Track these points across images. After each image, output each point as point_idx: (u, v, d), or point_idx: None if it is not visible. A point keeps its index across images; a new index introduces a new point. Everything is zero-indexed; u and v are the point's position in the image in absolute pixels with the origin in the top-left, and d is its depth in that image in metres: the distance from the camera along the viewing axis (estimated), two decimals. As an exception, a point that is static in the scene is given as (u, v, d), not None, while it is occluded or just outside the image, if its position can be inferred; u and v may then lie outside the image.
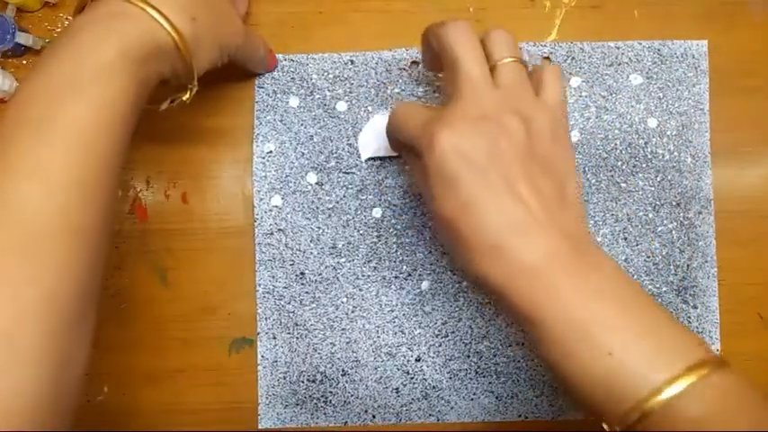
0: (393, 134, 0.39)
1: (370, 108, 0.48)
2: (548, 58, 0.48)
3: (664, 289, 0.47)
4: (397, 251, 0.47)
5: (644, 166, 0.47)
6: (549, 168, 0.34)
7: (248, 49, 0.44)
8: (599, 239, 0.47)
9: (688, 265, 0.47)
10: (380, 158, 0.47)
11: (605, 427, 0.31)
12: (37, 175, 0.30)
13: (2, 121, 0.32)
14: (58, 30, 0.49)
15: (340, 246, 0.47)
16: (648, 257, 0.47)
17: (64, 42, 0.33)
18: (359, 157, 0.48)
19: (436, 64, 0.40)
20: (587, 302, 0.31)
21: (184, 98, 0.40)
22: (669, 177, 0.47)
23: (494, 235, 0.32)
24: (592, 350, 0.30)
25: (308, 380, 0.47)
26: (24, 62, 0.49)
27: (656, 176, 0.47)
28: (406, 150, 0.39)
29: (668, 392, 0.29)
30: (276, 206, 0.48)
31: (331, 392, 0.47)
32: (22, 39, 0.46)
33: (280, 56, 0.48)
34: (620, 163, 0.47)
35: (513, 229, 0.32)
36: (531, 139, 0.34)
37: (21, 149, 0.31)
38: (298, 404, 0.47)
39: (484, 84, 0.35)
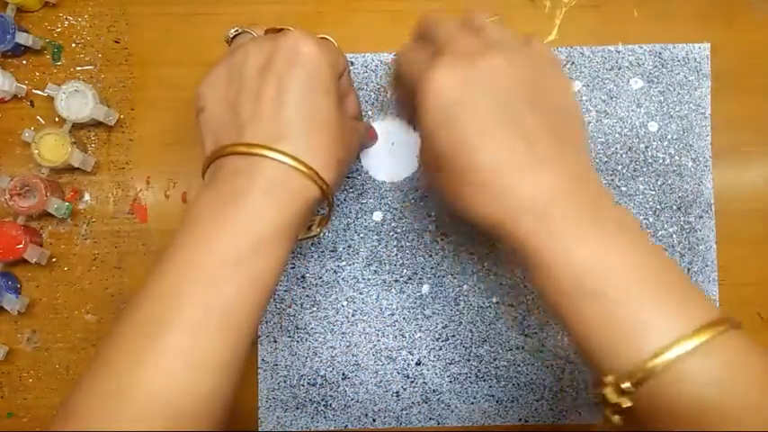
0: (396, 81, 0.37)
1: (370, 113, 0.48)
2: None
3: (664, 293, 0.47)
4: (397, 255, 0.47)
5: (644, 170, 0.47)
6: (558, 109, 0.32)
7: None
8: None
9: (689, 270, 0.47)
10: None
11: (605, 380, 0.27)
12: (188, 358, 0.29)
13: (165, 293, 0.31)
14: (58, 30, 0.49)
15: (340, 249, 0.47)
16: (649, 261, 0.47)
17: (218, 212, 0.31)
18: (359, 162, 0.47)
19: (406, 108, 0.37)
20: (592, 246, 0.28)
21: (316, 234, 0.39)
22: (670, 181, 0.47)
23: (491, 168, 0.29)
24: (594, 297, 0.27)
25: (308, 383, 0.47)
26: (24, 62, 0.49)
27: (657, 180, 0.47)
28: (410, 108, 0.37)
29: (677, 350, 0.26)
30: (277, 209, 0.47)
31: (331, 396, 0.47)
32: (22, 39, 0.46)
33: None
34: (620, 167, 0.47)
35: (515, 164, 0.29)
36: (533, 73, 0.31)
37: (173, 332, 0.29)
38: (298, 408, 0.47)
39: (469, 32, 0.33)
